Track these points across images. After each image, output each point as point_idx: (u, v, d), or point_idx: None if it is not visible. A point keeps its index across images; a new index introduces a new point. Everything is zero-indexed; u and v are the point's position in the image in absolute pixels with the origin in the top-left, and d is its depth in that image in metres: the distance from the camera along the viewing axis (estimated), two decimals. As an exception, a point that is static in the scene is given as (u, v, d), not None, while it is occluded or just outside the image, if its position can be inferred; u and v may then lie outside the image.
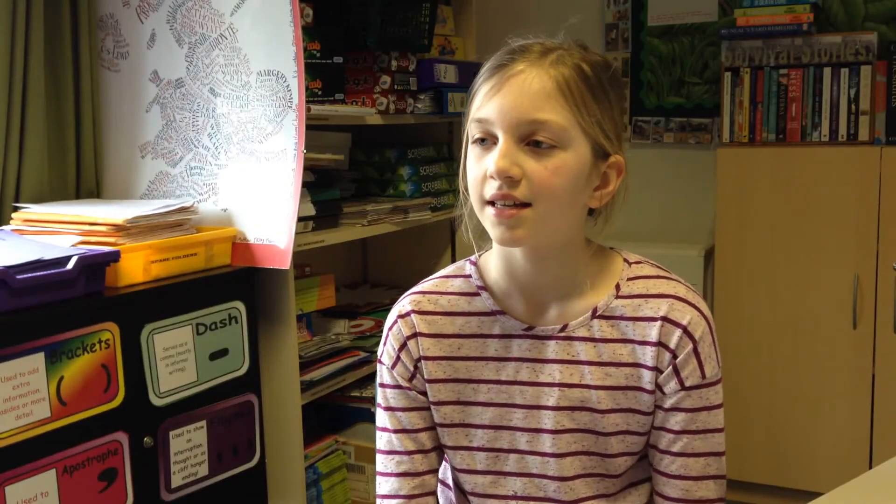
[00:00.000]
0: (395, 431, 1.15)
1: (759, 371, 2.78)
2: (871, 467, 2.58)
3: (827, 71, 2.71)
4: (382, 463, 1.16)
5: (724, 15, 3.03)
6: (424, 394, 1.14)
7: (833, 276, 2.66)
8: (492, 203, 1.01)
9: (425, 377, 1.13)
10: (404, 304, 1.16)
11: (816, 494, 1.19)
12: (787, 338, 2.74)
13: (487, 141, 1.02)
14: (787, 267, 2.72)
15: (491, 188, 1.00)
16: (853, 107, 2.69)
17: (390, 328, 1.16)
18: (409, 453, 1.14)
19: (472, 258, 1.16)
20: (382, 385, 1.16)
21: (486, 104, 1.01)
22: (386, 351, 1.16)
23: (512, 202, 0.99)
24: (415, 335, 1.13)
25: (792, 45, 2.78)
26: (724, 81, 2.83)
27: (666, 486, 1.08)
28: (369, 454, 2.46)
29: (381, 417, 1.16)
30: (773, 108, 2.78)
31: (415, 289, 1.17)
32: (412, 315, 1.14)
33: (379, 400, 1.17)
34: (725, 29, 2.83)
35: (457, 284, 1.15)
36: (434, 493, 1.16)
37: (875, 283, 2.62)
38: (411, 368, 1.14)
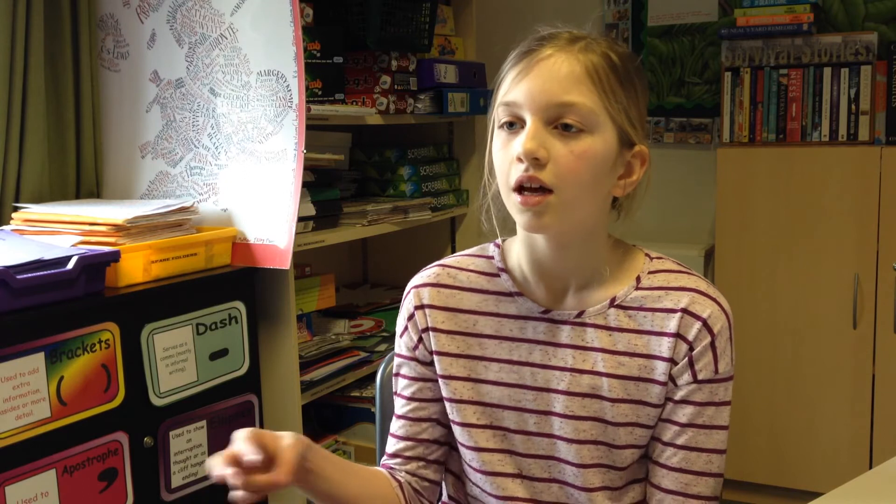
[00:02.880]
0: (402, 397, 1.19)
1: (759, 371, 2.78)
2: (871, 467, 2.58)
3: (827, 71, 2.71)
4: (392, 425, 1.20)
5: (724, 15, 3.03)
6: (429, 364, 1.16)
7: (833, 277, 2.66)
8: (518, 190, 1.01)
9: (433, 349, 1.15)
10: (422, 275, 1.18)
11: (816, 494, 1.19)
12: (788, 338, 2.74)
13: (516, 125, 1.02)
14: (788, 267, 2.72)
15: (517, 171, 1.00)
16: (853, 107, 2.69)
17: (405, 297, 1.19)
18: (410, 420, 1.18)
19: (497, 241, 1.17)
20: (396, 354, 1.21)
21: (514, 88, 1.02)
22: (399, 320, 1.20)
23: (538, 185, 0.99)
24: (422, 306, 1.15)
25: (792, 45, 2.78)
26: (724, 81, 2.83)
27: (664, 479, 1.08)
28: (369, 454, 2.45)
29: (394, 383, 1.21)
30: (773, 108, 2.78)
31: (438, 262, 1.20)
32: (424, 287, 1.16)
33: (394, 367, 1.22)
34: (725, 29, 2.83)
35: (479, 263, 1.16)
36: (420, 460, 1.18)
37: (875, 283, 2.62)
38: (415, 339, 1.16)
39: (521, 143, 0.99)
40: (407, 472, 1.18)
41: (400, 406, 1.19)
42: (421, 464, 1.18)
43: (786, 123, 2.77)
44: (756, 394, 2.79)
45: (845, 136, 2.70)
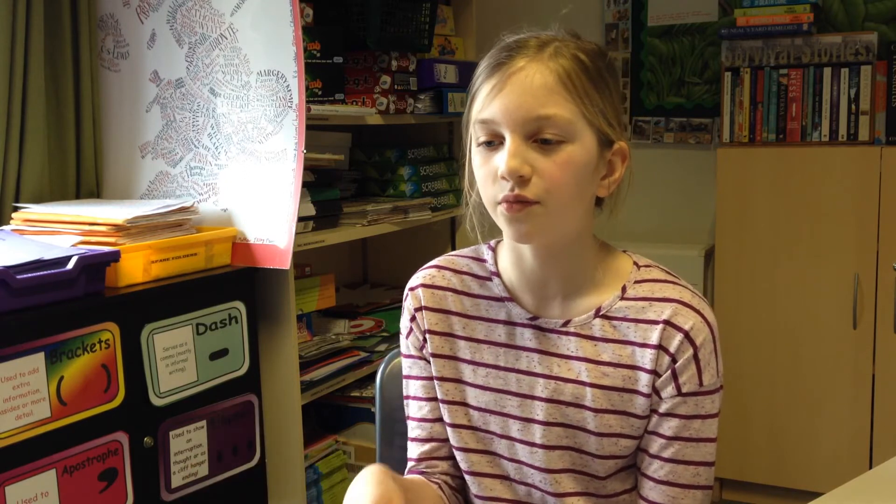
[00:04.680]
0: (417, 399, 1.19)
1: (759, 371, 2.78)
2: (871, 467, 2.58)
3: (827, 71, 2.71)
4: (412, 430, 1.20)
5: (724, 15, 3.03)
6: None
7: (833, 277, 2.66)
8: (503, 202, 1.01)
9: (430, 350, 1.16)
10: (417, 276, 1.19)
11: (816, 494, 1.19)
12: (788, 338, 2.74)
13: (494, 142, 1.02)
14: (788, 267, 2.72)
15: (502, 189, 1.00)
16: (853, 107, 2.69)
17: (404, 300, 1.20)
18: (430, 421, 1.18)
19: (491, 243, 1.17)
20: (402, 355, 1.22)
21: (489, 105, 1.01)
22: (402, 322, 1.21)
23: (524, 201, 0.99)
24: (420, 308, 1.17)
25: (792, 45, 2.78)
26: (724, 81, 2.83)
27: (652, 491, 1.08)
28: (369, 454, 2.46)
29: (404, 385, 1.21)
30: (773, 108, 2.78)
31: (433, 262, 1.20)
32: (420, 289, 1.17)
33: (403, 370, 1.22)
34: (725, 29, 2.84)
35: (472, 266, 1.17)
36: (448, 458, 1.18)
37: (875, 283, 2.62)
38: (421, 339, 1.17)
39: (503, 161, 0.99)
40: (440, 473, 1.17)
41: (416, 409, 1.18)
42: (450, 462, 1.18)
43: (786, 123, 2.77)
44: (756, 394, 2.79)
45: (845, 136, 2.70)
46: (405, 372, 1.21)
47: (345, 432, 2.54)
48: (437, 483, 1.16)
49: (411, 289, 1.18)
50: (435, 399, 1.17)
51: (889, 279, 2.59)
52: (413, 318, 1.17)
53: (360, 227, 2.42)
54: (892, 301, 2.59)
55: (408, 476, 1.19)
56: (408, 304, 1.18)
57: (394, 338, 2.59)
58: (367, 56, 2.50)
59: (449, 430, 1.16)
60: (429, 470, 1.18)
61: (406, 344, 1.20)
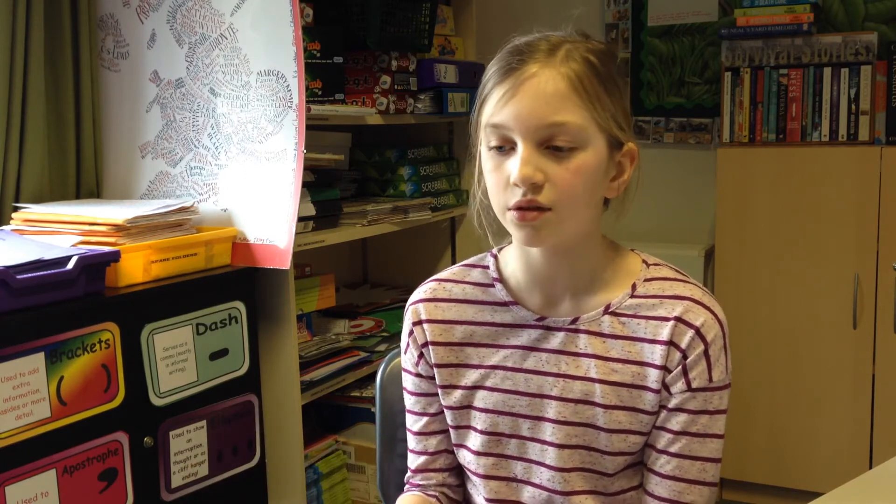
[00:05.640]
0: (413, 413, 1.21)
1: (759, 371, 2.78)
2: (871, 467, 2.58)
3: (827, 71, 2.71)
4: (410, 441, 1.23)
5: (724, 15, 3.03)
6: (430, 379, 1.17)
7: (833, 277, 2.66)
8: (514, 207, 1.01)
9: (432, 362, 1.16)
10: (418, 291, 1.20)
11: (816, 494, 1.20)
12: (788, 338, 2.74)
13: (505, 147, 1.02)
14: (788, 267, 2.72)
15: (515, 195, 1.01)
16: (853, 107, 2.69)
17: (405, 314, 1.21)
18: (425, 434, 1.20)
19: (494, 250, 1.18)
20: (403, 369, 1.23)
21: (501, 110, 1.01)
22: (402, 337, 1.22)
23: (537, 206, 1.00)
24: (420, 322, 1.17)
25: (792, 45, 2.78)
26: (724, 81, 2.83)
27: (658, 486, 1.09)
28: (369, 454, 2.46)
29: (405, 398, 1.23)
30: (773, 108, 2.78)
31: (436, 276, 1.21)
32: (420, 303, 1.18)
33: (402, 382, 1.24)
34: (725, 29, 2.83)
35: (474, 275, 1.18)
36: (444, 470, 1.20)
37: (875, 283, 2.62)
38: (416, 355, 1.18)
39: (516, 168, 0.99)
40: (436, 485, 1.20)
41: (413, 422, 1.21)
42: (446, 474, 1.20)
43: (786, 123, 2.77)
44: (756, 394, 2.79)
45: (845, 136, 2.70)
46: (403, 384, 1.22)
47: (345, 432, 2.54)
48: (434, 495, 1.19)
49: (412, 304, 1.19)
50: (428, 414, 1.19)
51: (889, 279, 2.59)
52: (411, 334, 1.18)
53: (360, 227, 2.43)
54: (892, 301, 2.59)
55: (406, 495, 1.21)
56: (406, 320, 1.19)
57: (393, 338, 2.60)
58: (367, 56, 2.50)
59: (455, 433, 1.16)
60: (424, 482, 1.21)
61: (404, 359, 1.21)
